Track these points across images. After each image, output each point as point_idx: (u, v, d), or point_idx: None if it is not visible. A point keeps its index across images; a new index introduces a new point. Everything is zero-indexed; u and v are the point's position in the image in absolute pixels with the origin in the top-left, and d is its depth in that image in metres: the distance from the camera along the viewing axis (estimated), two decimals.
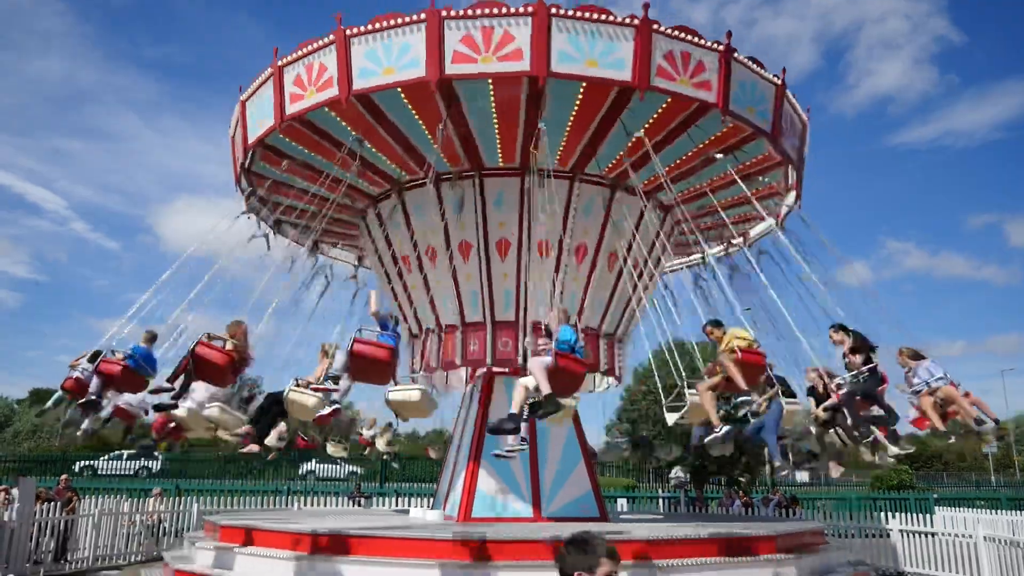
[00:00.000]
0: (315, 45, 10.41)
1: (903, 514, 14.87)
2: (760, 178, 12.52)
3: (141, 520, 15.10)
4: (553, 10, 9.52)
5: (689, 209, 12.62)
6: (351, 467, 31.70)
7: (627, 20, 9.70)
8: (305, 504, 18.89)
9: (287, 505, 18.96)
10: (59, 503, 13.44)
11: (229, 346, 8.39)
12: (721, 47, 10.21)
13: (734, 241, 14.62)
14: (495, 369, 12.34)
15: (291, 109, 10.65)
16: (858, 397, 8.94)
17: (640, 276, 12.42)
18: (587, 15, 9.61)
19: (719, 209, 12.37)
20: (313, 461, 32.95)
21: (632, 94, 9.89)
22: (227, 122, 13.02)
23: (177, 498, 16.81)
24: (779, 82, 11.14)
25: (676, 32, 9.98)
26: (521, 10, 9.54)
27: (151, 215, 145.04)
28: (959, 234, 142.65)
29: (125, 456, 32.52)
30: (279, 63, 10.78)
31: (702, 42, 10.14)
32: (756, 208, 12.46)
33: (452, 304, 12.41)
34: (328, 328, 13.83)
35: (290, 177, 12.39)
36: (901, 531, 14.28)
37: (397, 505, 19.26)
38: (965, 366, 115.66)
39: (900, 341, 9.44)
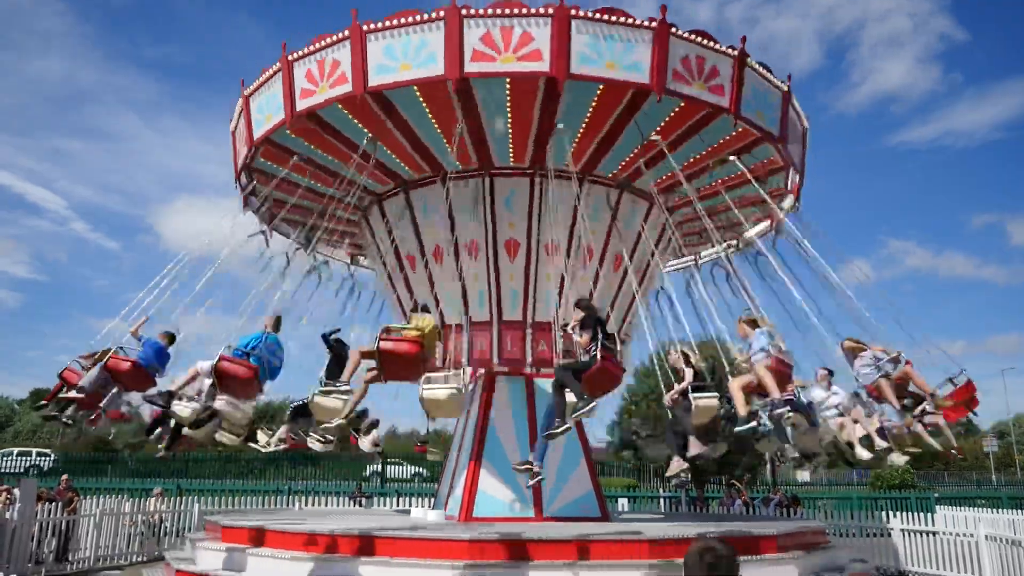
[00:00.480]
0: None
1: (904, 513, 14.86)
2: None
3: (142, 520, 15.11)
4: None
5: (686, 213, 12.69)
6: (415, 468, 31.93)
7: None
8: (307, 504, 18.89)
9: (288, 505, 18.96)
10: (60, 503, 13.45)
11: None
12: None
13: (731, 243, 14.61)
14: (496, 369, 12.35)
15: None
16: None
17: (644, 277, 12.44)
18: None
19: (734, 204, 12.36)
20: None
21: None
22: (227, 123, 13.03)
23: (178, 498, 16.83)
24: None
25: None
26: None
27: (151, 215, 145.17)
28: (961, 234, 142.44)
29: (16, 453, 33.04)
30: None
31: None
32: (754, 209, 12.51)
33: (458, 303, 12.42)
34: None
35: (291, 174, 12.34)
36: (902, 530, 14.27)
37: (398, 505, 19.26)
38: (965, 365, 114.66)
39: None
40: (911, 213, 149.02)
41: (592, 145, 11.40)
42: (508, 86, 10.08)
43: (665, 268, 15.49)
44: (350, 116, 10.82)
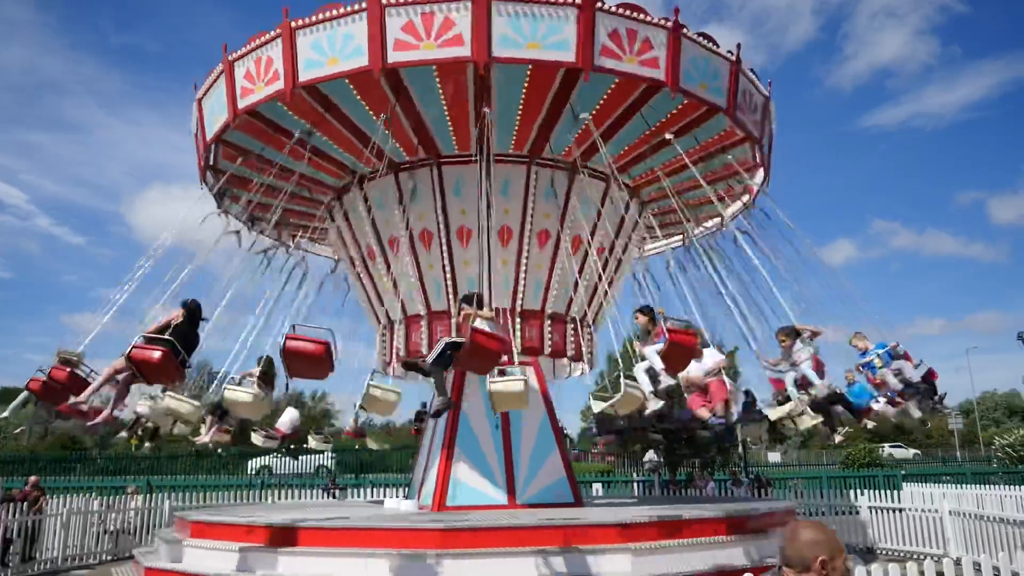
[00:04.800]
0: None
1: (872, 491, 15.11)
2: (726, 156, 12.38)
3: (111, 518, 14.89)
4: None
5: (653, 192, 12.72)
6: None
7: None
8: (280, 498, 18.77)
9: (261, 499, 18.82)
10: (27, 503, 13.21)
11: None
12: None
13: (707, 224, 14.71)
14: None
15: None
16: None
17: (607, 262, 12.44)
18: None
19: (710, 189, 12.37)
20: None
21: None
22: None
23: (149, 495, 16.60)
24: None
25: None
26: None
27: (123, 206, 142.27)
28: (944, 213, 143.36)
29: None
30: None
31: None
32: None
33: (417, 294, 12.36)
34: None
35: (248, 171, 12.16)
36: (870, 508, 14.53)
37: (373, 496, 19.19)
38: (942, 345, 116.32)
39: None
40: (895, 193, 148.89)
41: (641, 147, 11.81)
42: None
43: (637, 254, 15.58)
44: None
